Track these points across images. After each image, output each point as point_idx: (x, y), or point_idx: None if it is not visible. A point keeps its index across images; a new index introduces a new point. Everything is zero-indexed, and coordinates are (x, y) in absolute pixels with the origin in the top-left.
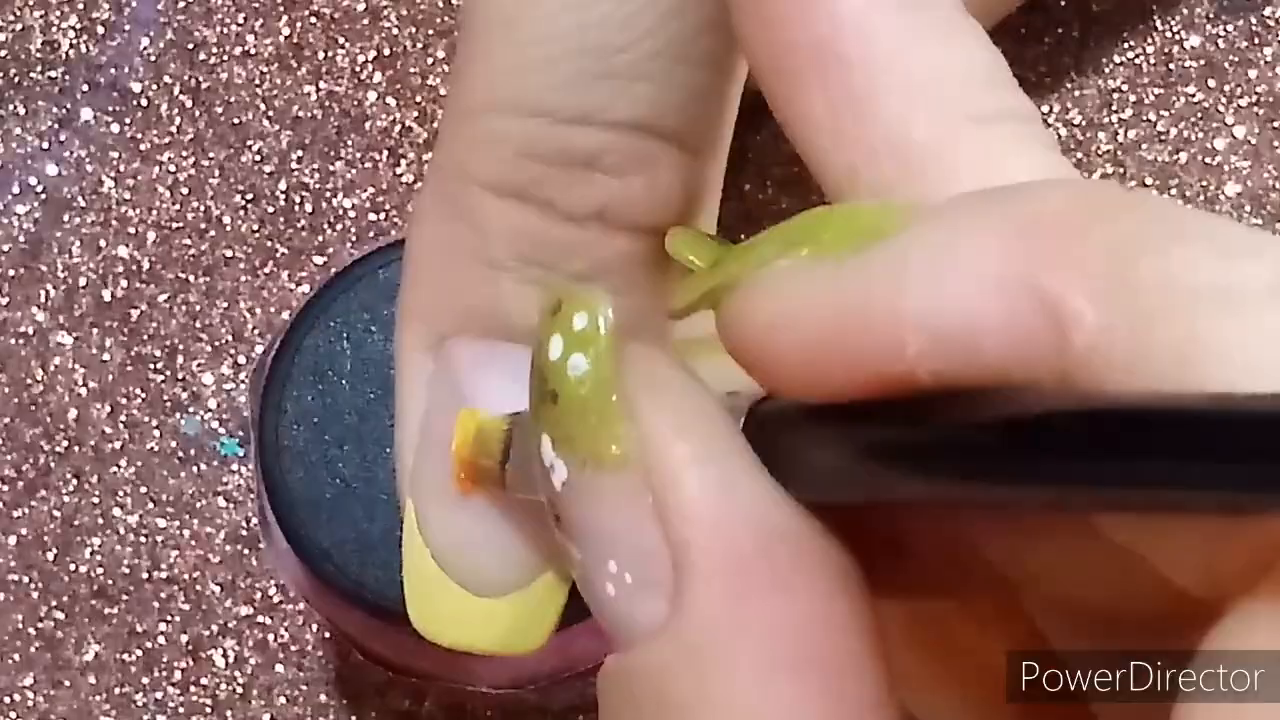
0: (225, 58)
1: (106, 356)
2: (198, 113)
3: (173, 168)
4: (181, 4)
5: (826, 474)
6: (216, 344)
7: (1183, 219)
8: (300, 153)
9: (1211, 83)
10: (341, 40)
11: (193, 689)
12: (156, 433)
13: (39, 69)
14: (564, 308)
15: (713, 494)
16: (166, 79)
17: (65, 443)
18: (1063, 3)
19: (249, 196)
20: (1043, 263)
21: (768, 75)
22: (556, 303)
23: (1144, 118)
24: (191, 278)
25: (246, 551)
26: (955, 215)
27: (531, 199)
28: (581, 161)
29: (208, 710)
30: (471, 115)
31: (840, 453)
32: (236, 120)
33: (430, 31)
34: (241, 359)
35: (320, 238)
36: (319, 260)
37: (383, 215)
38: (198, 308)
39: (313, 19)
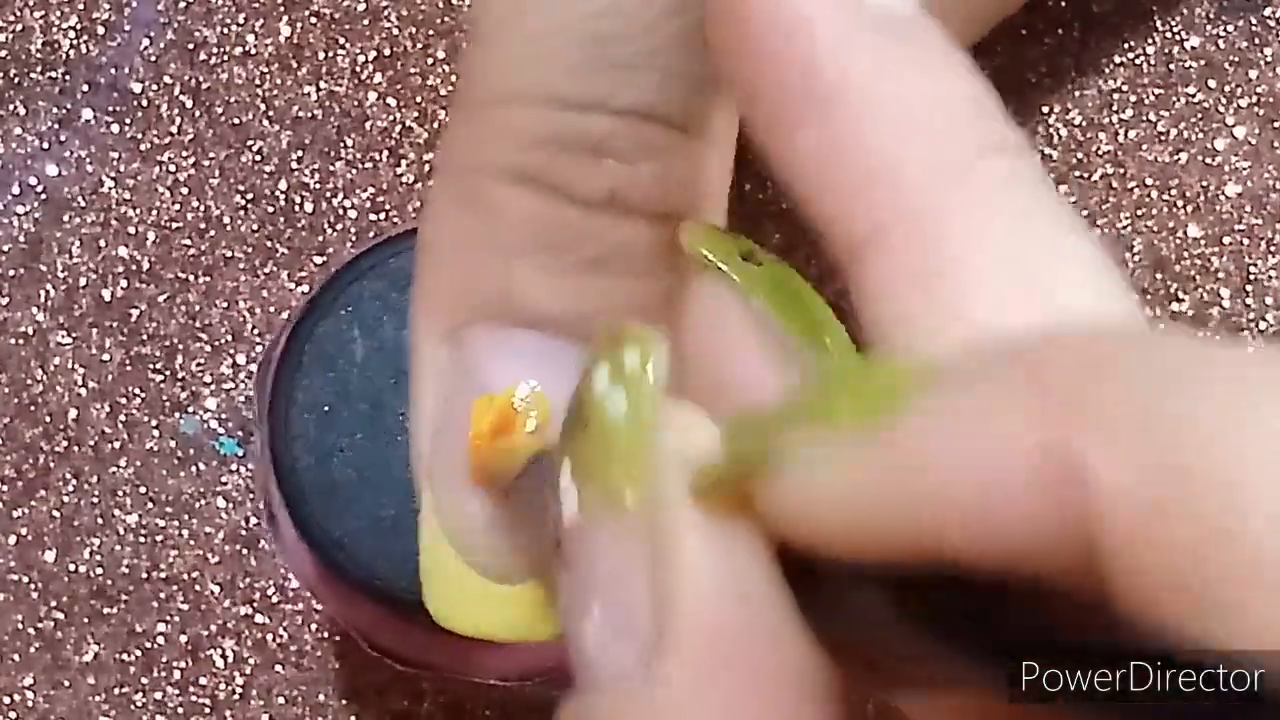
0: (225, 58)
1: (106, 356)
2: (198, 113)
3: (173, 168)
4: (182, 4)
5: (844, 615)
6: (216, 344)
7: (1192, 362)
8: (300, 153)
9: (1212, 83)
10: (342, 41)
11: (192, 689)
12: (156, 433)
13: (39, 69)
14: (619, 341)
15: (711, 567)
16: (167, 79)
17: (65, 443)
18: (1063, 3)
19: (249, 196)
20: (1060, 437)
21: (753, 111)
22: (615, 334)
23: (1144, 118)
24: (191, 278)
25: (246, 551)
26: (967, 386)
27: (542, 185)
28: (591, 148)
29: (207, 710)
30: (482, 105)
31: (862, 605)
32: (237, 120)
33: (430, 32)
34: (241, 359)
35: (320, 238)
36: (319, 260)
37: (383, 215)
38: (197, 308)
39: (313, 19)
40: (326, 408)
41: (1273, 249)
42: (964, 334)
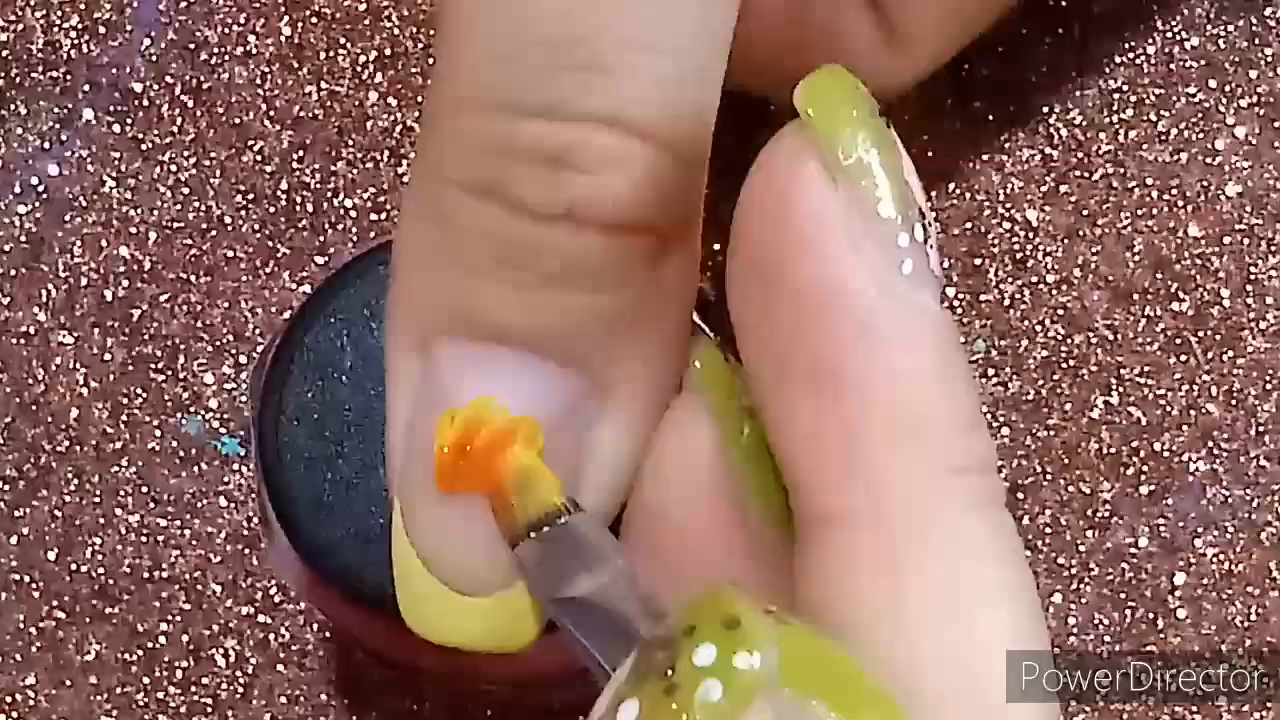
0: (227, 58)
1: (108, 356)
2: (199, 113)
3: (174, 167)
4: (183, 4)
5: None
6: (218, 344)
7: None
8: (301, 153)
9: (1212, 83)
10: (343, 40)
11: (194, 689)
12: (158, 432)
13: (40, 69)
14: (735, 633)
15: None
16: (168, 79)
17: (66, 442)
18: (1064, 3)
19: (250, 196)
20: None
21: (762, 376)
22: (728, 614)
23: (1145, 118)
24: (193, 278)
25: (247, 551)
26: None
27: (501, 198)
28: (549, 158)
29: (209, 710)
30: (442, 113)
31: None
32: (238, 120)
33: (431, 31)
34: (243, 359)
35: (321, 238)
36: (320, 260)
37: (384, 215)
38: (199, 308)
39: (314, 19)
40: (315, 416)
41: (1273, 249)
42: (888, 640)
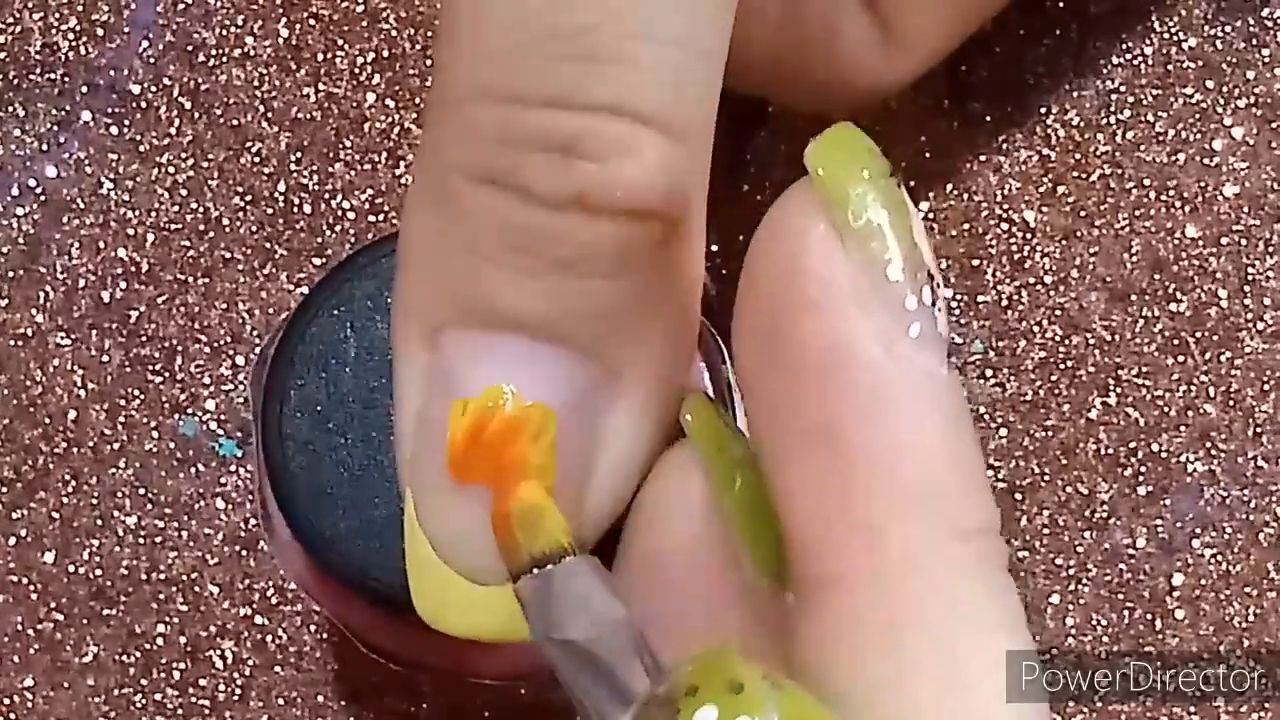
0: (224, 59)
1: (105, 358)
2: (197, 114)
3: (172, 169)
4: (180, 6)
5: None
6: (215, 345)
7: None
8: (299, 154)
9: (1209, 84)
10: (340, 42)
11: (191, 690)
12: (155, 434)
13: (38, 71)
14: (740, 697)
15: None
16: (166, 81)
17: (64, 444)
18: (1061, 4)
19: (248, 198)
20: None
21: (768, 436)
22: (728, 675)
23: (1142, 119)
24: (190, 279)
25: (245, 553)
26: None
27: (510, 186)
28: (558, 146)
29: (206, 711)
30: (448, 104)
31: None
32: (235, 122)
33: (429, 33)
34: (240, 360)
35: (319, 239)
36: (318, 262)
37: (382, 217)
38: (196, 309)
39: (312, 21)
40: (319, 407)
41: (1270, 249)
42: (888, 708)
